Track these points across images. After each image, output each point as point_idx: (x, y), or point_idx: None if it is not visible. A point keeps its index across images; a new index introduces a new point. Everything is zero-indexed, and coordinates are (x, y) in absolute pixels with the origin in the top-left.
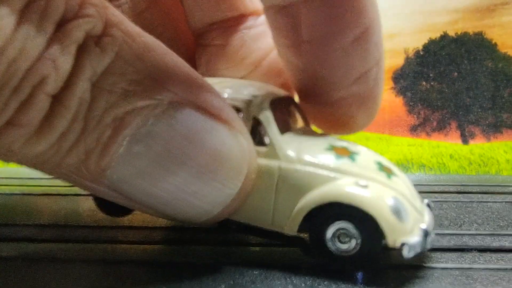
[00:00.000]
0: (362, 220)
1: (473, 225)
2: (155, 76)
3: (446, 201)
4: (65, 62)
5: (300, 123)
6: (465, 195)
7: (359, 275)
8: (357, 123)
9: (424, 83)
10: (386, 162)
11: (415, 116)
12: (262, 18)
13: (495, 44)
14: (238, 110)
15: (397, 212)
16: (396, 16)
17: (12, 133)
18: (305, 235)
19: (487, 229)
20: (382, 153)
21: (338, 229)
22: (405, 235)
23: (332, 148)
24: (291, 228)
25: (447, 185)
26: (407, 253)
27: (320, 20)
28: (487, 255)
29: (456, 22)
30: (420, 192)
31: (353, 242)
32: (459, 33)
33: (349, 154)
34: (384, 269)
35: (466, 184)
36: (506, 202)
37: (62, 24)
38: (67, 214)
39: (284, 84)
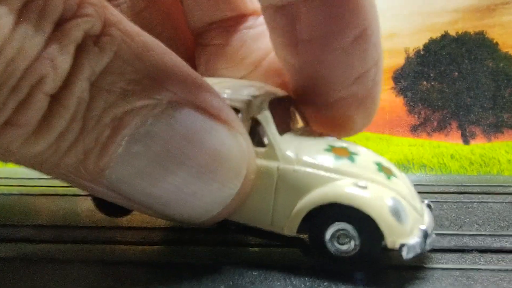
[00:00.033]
0: (361, 221)
1: (473, 225)
2: (154, 76)
3: (447, 202)
4: (64, 61)
5: (299, 123)
6: (466, 195)
7: (359, 276)
8: (356, 125)
9: (424, 83)
10: (386, 163)
11: (415, 116)
12: (262, 18)
13: (496, 44)
14: (237, 110)
15: (396, 213)
16: (396, 15)
17: (10, 133)
18: (305, 236)
19: (488, 230)
20: (383, 153)
21: (337, 230)
22: (404, 236)
23: (331, 149)
24: (290, 229)
25: (447, 185)
26: (406, 254)
27: (319, 20)
28: (488, 256)
29: (457, 21)
30: (421, 193)
31: (352, 243)
32: (459, 32)
33: (349, 155)
34: (384, 270)
35: (467, 185)
36: (507, 202)
37: (60, 24)
38: (66, 214)
39: (284, 84)
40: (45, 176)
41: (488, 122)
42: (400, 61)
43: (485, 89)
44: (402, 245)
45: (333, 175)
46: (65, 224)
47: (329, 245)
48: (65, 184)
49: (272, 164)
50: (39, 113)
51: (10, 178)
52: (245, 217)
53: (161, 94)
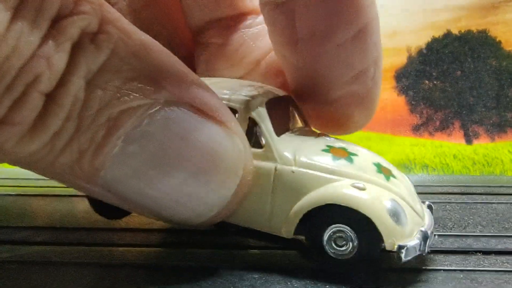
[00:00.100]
0: (360, 222)
1: (477, 226)
2: (151, 75)
3: (450, 202)
4: (59, 59)
5: (299, 123)
6: (469, 196)
7: (360, 278)
8: (355, 123)
9: (427, 82)
10: (385, 164)
11: (417, 115)
12: (262, 17)
13: (499, 42)
14: (234, 111)
15: (395, 214)
16: (398, 14)
17: (4, 132)
18: (303, 237)
19: (491, 231)
20: (384, 153)
21: (335, 232)
22: (403, 238)
23: (329, 150)
24: (287, 230)
25: (450, 185)
26: (404, 256)
27: (317, 17)
28: (492, 258)
29: (460, 20)
30: (423, 193)
31: (350, 245)
32: (462, 31)
33: (347, 156)
34: (386, 272)
35: (470, 185)
36: (511, 203)
37: (56, 21)
38: (63, 216)
39: (284, 83)
40: (41, 177)
41: (491, 121)
42: (402, 60)
43: (488, 88)
44: (400, 247)
45: (331, 176)
46: (62, 225)
47: (327, 247)
48: (62, 185)
49: (269, 165)
50: (34, 112)
51: (5, 178)
52: (242, 219)
53: (157, 94)
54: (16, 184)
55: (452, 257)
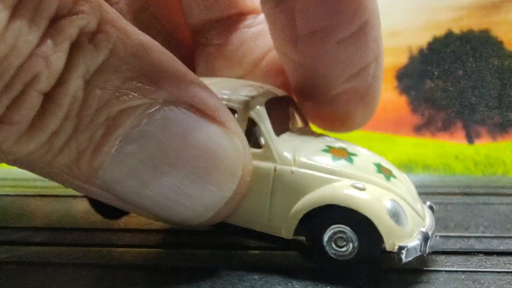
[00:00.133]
0: (360, 223)
1: (479, 227)
2: (150, 75)
3: (451, 203)
4: (58, 59)
5: (298, 123)
6: (471, 196)
7: (361, 279)
8: (356, 120)
9: (428, 81)
10: (386, 164)
11: (419, 115)
12: (262, 16)
13: (501, 42)
14: (234, 111)
15: (395, 215)
16: (399, 13)
17: (2, 131)
18: (303, 238)
19: (493, 232)
20: (385, 154)
21: (335, 233)
22: (404, 238)
23: (329, 150)
24: (287, 231)
25: (452, 186)
26: (405, 257)
27: (317, 14)
28: (494, 259)
29: (461, 19)
30: (425, 194)
31: (351, 246)
32: (464, 30)
33: (347, 156)
34: (387, 273)
35: (471, 185)
36: None
37: (55, 21)
38: (61, 216)
39: (284, 83)
40: (39, 177)
41: (493, 121)
42: (403, 59)
43: (490, 88)
44: (401, 248)
45: (330, 177)
46: (60, 226)
47: (327, 247)
48: (60, 185)
49: (268, 165)
50: (32, 111)
51: (4, 178)
52: (241, 219)
53: (156, 94)
54: (14, 184)
55: (454, 258)
